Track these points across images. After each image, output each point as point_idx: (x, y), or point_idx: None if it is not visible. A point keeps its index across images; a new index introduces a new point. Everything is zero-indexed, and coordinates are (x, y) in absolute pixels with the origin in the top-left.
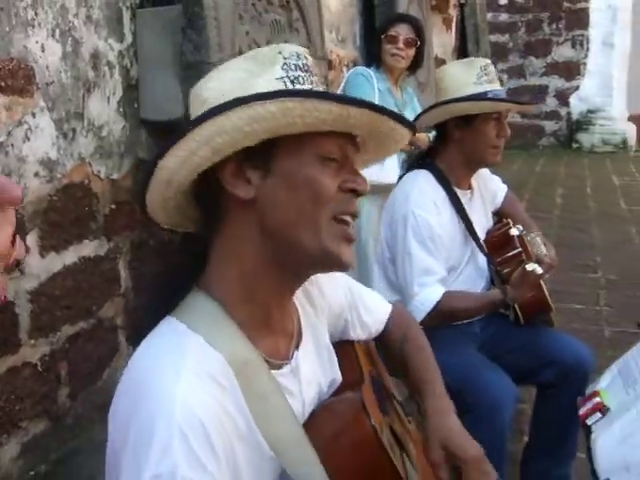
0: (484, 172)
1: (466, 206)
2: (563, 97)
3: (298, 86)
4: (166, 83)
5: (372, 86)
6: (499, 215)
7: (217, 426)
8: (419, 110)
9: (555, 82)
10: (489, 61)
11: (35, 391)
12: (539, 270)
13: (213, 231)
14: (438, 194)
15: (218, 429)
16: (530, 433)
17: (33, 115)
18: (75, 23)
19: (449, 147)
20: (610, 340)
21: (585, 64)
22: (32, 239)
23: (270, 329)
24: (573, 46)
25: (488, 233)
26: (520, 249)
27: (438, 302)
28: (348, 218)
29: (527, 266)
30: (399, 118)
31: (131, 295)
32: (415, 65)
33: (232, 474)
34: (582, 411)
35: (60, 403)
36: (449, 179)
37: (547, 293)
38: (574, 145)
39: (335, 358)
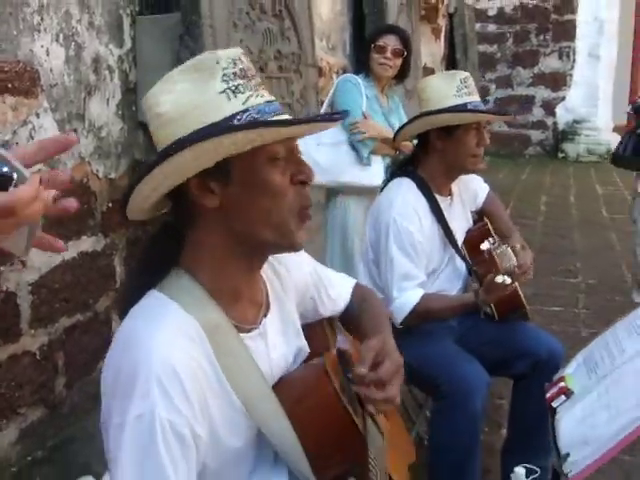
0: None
1: (446, 212)
2: (549, 107)
3: (239, 95)
4: None
5: (360, 92)
6: (480, 214)
7: (191, 377)
8: (404, 117)
9: (542, 92)
10: (468, 74)
11: (33, 379)
12: (508, 280)
13: (187, 225)
14: (419, 202)
15: (192, 379)
16: (508, 426)
17: (37, 115)
18: (78, 29)
19: (431, 156)
20: (586, 340)
21: (571, 75)
22: None
23: (239, 300)
24: (560, 57)
25: (468, 232)
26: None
27: (416, 304)
28: (307, 207)
29: (497, 278)
30: (335, 119)
31: (119, 302)
32: (402, 74)
33: (208, 425)
34: (548, 394)
35: (57, 392)
36: (430, 187)
37: (521, 294)
38: (560, 155)
39: (300, 329)
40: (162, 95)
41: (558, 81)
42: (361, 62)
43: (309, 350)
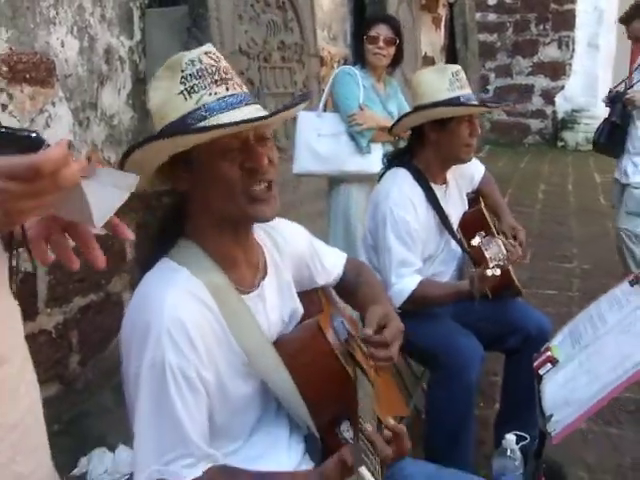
0: None
1: (442, 200)
2: (549, 96)
3: (194, 95)
4: None
5: (357, 84)
6: (476, 193)
7: (197, 329)
8: (403, 101)
9: (541, 81)
10: (460, 67)
11: (49, 357)
12: (497, 272)
13: (183, 200)
14: (415, 192)
15: (198, 331)
16: (500, 399)
17: (53, 104)
18: (91, 21)
19: (426, 148)
20: None
21: (570, 64)
22: None
23: (238, 265)
24: (559, 47)
25: (463, 215)
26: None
27: (414, 290)
28: (256, 187)
29: (487, 272)
30: (275, 113)
31: (136, 271)
32: (395, 61)
33: (214, 371)
34: (536, 363)
35: (71, 369)
36: (426, 176)
37: (513, 274)
38: (559, 143)
39: (294, 293)
40: (150, 90)
41: (557, 70)
42: (356, 53)
43: (303, 312)
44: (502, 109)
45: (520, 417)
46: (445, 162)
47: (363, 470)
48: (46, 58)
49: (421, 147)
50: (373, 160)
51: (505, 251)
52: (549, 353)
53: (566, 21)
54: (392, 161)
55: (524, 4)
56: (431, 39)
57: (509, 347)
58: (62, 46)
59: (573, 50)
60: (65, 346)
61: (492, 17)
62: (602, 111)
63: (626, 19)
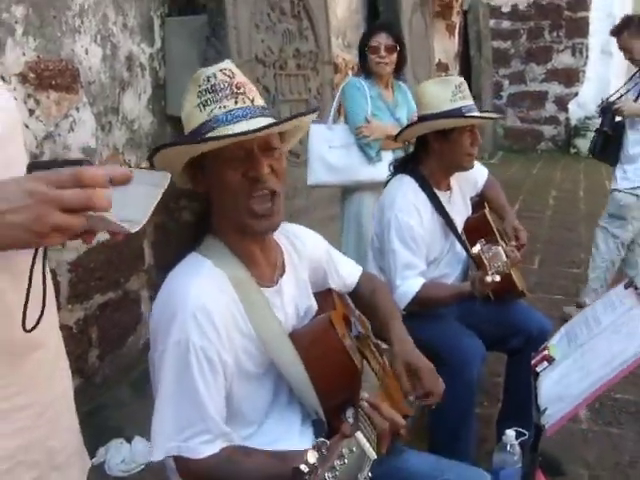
0: None
1: (446, 205)
2: (562, 103)
3: (207, 108)
4: None
5: (364, 95)
6: (480, 197)
7: (219, 314)
8: (413, 104)
9: (555, 88)
10: (462, 79)
11: (70, 351)
12: (497, 278)
13: (208, 201)
14: (419, 198)
15: (220, 316)
16: (502, 398)
17: (77, 109)
18: (114, 30)
19: (430, 156)
20: None
21: (584, 71)
22: None
23: (257, 261)
24: (573, 54)
25: (467, 220)
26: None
27: (418, 292)
28: (256, 195)
29: (486, 278)
30: (282, 121)
31: (153, 271)
32: (399, 67)
33: (233, 354)
34: (533, 361)
35: (90, 363)
36: (430, 183)
37: (515, 278)
38: (572, 150)
39: (310, 291)
40: (182, 101)
41: (571, 77)
42: (361, 64)
43: (317, 308)
44: (516, 115)
45: (520, 414)
46: (448, 170)
47: (359, 435)
48: (71, 65)
49: (425, 155)
50: (384, 168)
51: (505, 257)
52: (546, 352)
53: (579, 28)
54: (398, 168)
55: (538, 11)
56: (445, 46)
57: (511, 348)
58: (86, 54)
59: (587, 57)
60: (85, 341)
61: (506, 24)
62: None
63: (617, 31)
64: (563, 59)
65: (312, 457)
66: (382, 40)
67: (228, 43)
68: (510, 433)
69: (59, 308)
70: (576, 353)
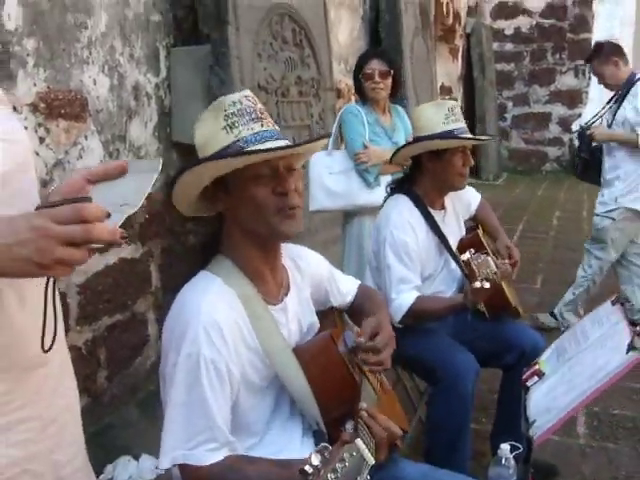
0: None
1: (440, 224)
2: (566, 124)
3: (235, 130)
4: (195, 111)
5: (361, 121)
6: (474, 219)
7: (229, 328)
8: (410, 128)
9: (558, 110)
10: (456, 103)
11: (79, 371)
12: (486, 285)
13: (221, 221)
14: (413, 216)
15: (229, 330)
16: (496, 412)
17: (85, 137)
18: (121, 60)
19: (424, 175)
20: None
21: (587, 92)
22: None
23: (265, 280)
24: (576, 75)
25: (461, 240)
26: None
27: (412, 304)
28: (286, 209)
29: (475, 284)
30: (300, 144)
31: (160, 293)
32: (395, 91)
33: (240, 367)
34: (524, 376)
35: (99, 383)
36: (425, 202)
37: (509, 294)
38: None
39: (313, 309)
40: (196, 129)
41: (574, 98)
42: (357, 91)
43: (319, 326)
44: (520, 137)
45: (513, 428)
46: (441, 189)
47: (358, 441)
48: (80, 95)
49: (420, 175)
50: (382, 193)
51: (494, 267)
52: (537, 367)
53: (582, 50)
54: (394, 189)
55: (540, 34)
56: (448, 69)
57: (505, 363)
58: (94, 84)
59: (589, 78)
60: (94, 362)
61: (509, 47)
62: None
63: (588, 59)
64: (566, 81)
65: (315, 459)
66: (375, 66)
67: (231, 72)
68: (505, 447)
69: (68, 330)
70: (564, 367)
